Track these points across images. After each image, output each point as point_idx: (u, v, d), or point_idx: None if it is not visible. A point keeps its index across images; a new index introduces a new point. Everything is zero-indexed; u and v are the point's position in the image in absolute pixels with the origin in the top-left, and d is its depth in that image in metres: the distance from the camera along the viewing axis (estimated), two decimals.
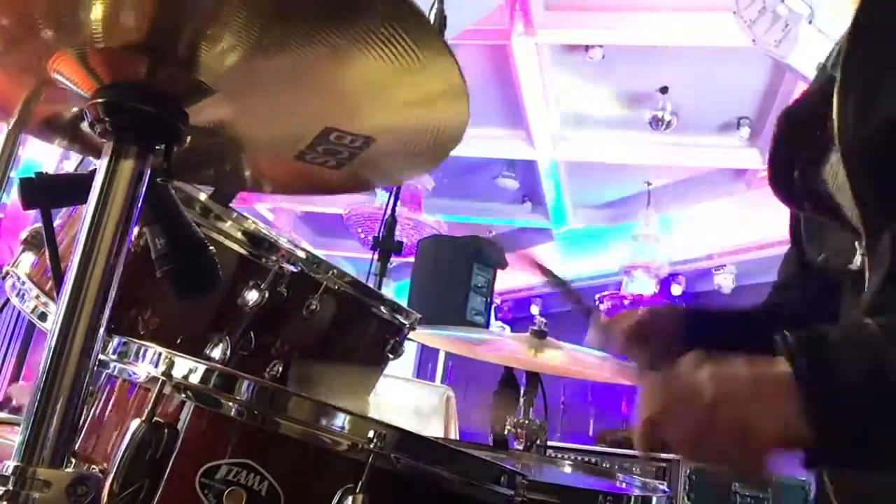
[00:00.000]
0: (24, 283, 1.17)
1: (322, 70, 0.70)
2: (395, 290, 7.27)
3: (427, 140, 0.82)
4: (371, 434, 0.76)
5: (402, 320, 1.34)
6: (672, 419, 0.71)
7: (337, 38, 0.64)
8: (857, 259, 0.87)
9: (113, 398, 0.90)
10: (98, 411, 0.91)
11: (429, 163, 0.90)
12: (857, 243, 0.86)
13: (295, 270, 1.15)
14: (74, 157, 1.25)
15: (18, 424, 0.69)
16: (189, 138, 0.75)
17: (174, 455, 0.76)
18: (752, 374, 0.69)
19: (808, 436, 0.66)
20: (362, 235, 6.06)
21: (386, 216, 2.77)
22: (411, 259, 4.18)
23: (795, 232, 1.09)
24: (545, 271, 1.25)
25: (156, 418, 0.77)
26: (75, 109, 0.80)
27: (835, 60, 0.98)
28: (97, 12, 0.63)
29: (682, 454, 0.73)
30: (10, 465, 0.64)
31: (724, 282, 6.89)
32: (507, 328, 7.55)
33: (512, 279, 7.33)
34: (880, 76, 0.82)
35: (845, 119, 0.83)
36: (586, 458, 2.82)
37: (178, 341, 1.10)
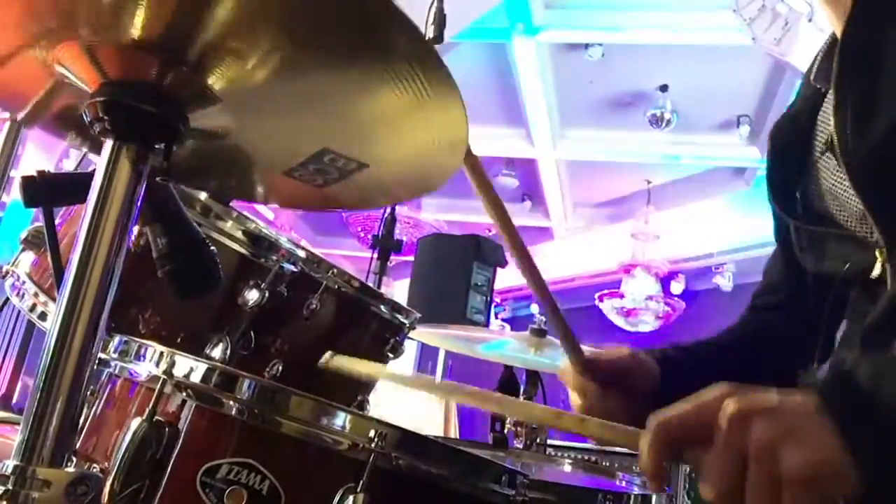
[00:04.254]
0: (23, 283, 1.17)
1: (331, 97, 0.70)
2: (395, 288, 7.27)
3: (423, 168, 0.83)
4: (372, 433, 0.76)
5: (402, 319, 1.34)
6: (694, 438, 0.63)
7: (355, 70, 0.65)
8: (878, 268, 0.87)
9: (114, 397, 0.90)
10: (99, 410, 0.91)
11: (422, 188, 0.90)
12: (876, 251, 0.86)
13: (295, 270, 1.15)
14: (74, 157, 1.25)
15: (18, 424, 0.69)
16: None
17: (175, 454, 0.76)
18: (782, 404, 0.63)
19: (848, 471, 0.60)
20: (362, 234, 6.06)
21: (385, 215, 2.77)
22: (411, 258, 4.18)
23: (786, 239, 1.07)
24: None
25: (157, 417, 0.77)
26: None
27: (818, 73, 0.98)
28: (119, 8, 0.62)
29: (709, 482, 0.63)
30: (10, 464, 0.64)
31: (724, 281, 6.90)
32: (507, 327, 7.55)
33: (512, 278, 7.33)
34: (875, 85, 0.82)
35: (845, 133, 0.83)
36: (586, 457, 2.82)
37: (179, 340, 1.10)
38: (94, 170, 0.72)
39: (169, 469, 0.76)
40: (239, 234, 1.12)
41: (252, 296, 1.11)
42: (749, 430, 0.60)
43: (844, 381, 0.67)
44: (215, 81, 0.68)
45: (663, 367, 1.09)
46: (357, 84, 0.67)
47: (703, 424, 0.63)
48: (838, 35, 0.92)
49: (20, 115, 0.84)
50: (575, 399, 1.10)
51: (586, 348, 1.08)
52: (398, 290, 6.96)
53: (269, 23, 0.62)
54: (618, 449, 2.95)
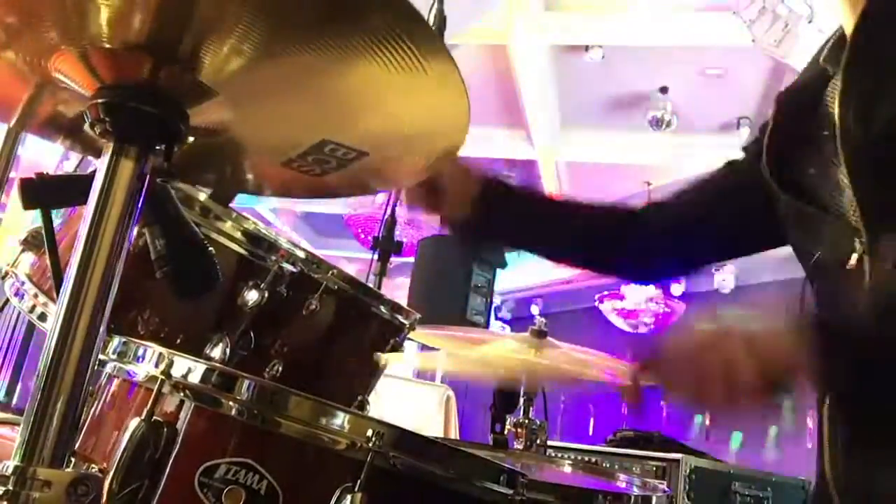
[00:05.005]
0: (23, 284, 1.17)
1: (324, 76, 0.70)
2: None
3: (425, 148, 0.82)
4: (370, 433, 0.76)
5: (402, 320, 1.34)
6: (669, 354, 0.75)
7: (340, 44, 0.64)
8: (855, 256, 0.88)
9: (113, 398, 0.91)
10: (98, 411, 0.91)
11: (427, 170, 0.90)
12: (856, 240, 0.87)
13: (294, 270, 1.15)
14: (74, 158, 1.25)
15: (18, 424, 0.69)
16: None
17: (173, 454, 0.76)
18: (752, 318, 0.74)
19: (807, 362, 0.71)
20: (362, 236, 6.06)
21: (386, 216, 2.77)
22: (411, 259, 4.19)
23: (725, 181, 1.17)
24: None
25: (155, 417, 0.77)
26: (78, 109, 0.80)
27: (828, 55, 0.99)
28: (102, 12, 0.63)
29: (671, 384, 0.77)
30: (10, 464, 0.64)
31: (724, 282, 6.89)
32: (507, 328, 7.55)
33: (512, 279, 7.32)
34: (883, 77, 0.83)
35: (848, 122, 0.84)
36: (586, 458, 2.82)
37: (178, 341, 1.10)
38: (93, 171, 0.72)
39: (167, 469, 0.76)
40: (238, 235, 1.12)
41: (251, 296, 1.11)
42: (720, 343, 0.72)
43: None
44: (209, 74, 0.68)
45: (487, 191, 1.18)
46: (349, 62, 0.66)
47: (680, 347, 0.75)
48: (846, 28, 0.92)
49: (11, 122, 0.84)
50: None
51: None
52: (398, 290, 6.96)
53: (250, 5, 0.61)
54: (618, 449, 2.95)
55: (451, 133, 0.79)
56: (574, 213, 1.29)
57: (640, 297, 6.68)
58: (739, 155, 1.23)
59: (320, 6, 0.62)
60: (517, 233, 1.29)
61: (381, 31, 0.62)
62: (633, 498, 1.40)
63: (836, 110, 0.86)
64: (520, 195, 1.27)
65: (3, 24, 0.66)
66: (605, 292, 6.90)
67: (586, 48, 4.92)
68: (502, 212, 1.20)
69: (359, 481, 0.74)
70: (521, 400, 1.84)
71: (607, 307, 6.84)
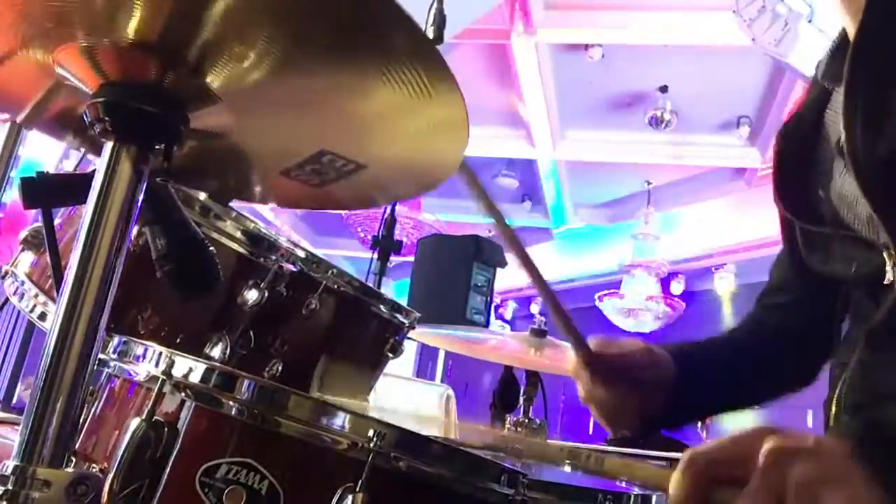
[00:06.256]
0: (23, 283, 1.17)
1: (331, 95, 0.70)
2: (395, 289, 7.26)
3: (422, 167, 0.83)
4: (371, 433, 0.75)
5: (402, 319, 1.34)
6: (728, 475, 0.60)
7: (354, 68, 0.65)
8: (889, 273, 0.86)
9: (113, 397, 0.90)
10: (98, 410, 0.91)
11: (422, 187, 0.90)
12: (884, 254, 0.86)
13: (294, 270, 1.15)
14: (74, 157, 1.25)
15: (18, 424, 0.69)
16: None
17: (174, 454, 0.76)
18: (821, 447, 0.59)
19: None
20: (362, 235, 6.06)
21: (385, 215, 2.77)
22: (411, 258, 4.19)
23: (792, 239, 1.06)
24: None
25: (156, 417, 0.77)
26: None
27: (826, 72, 0.97)
28: (116, 9, 0.62)
29: None
30: (10, 464, 0.64)
31: (724, 281, 6.90)
32: (507, 327, 7.56)
33: (512, 279, 7.32)
34: (888, 87, 0.82)
35: (855, 134, 0.82)
36: None
37: (178, 340, 1.10)
38: (93, 170, 0.72)
39: (168, 469, 0.76)
40: (238, 234, 1.12)
41: (251, 295, 1.11)
42: (788, 470, 0.57)
43: (877, 427, 0.68)
44: (215, 81, 0.68)
45: (680, 362, 1.07)
46: (356, 82, 0.67)
47: (740, 460, 0.60)
48: (849, 34, 0.91)
49: (19, 117, 0.84)
50: (582, 394, 1.09)
51: (599, 339, 1.06)
52: (398, 290, 6.96)
53: (266, 20, 0.62)
54: (617, 450, 2.95)
55: (450, 151, 0.79)
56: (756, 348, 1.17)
57: (640, 296, 6.68)
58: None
59: (341, 28, 0.62)
60: (716, 399, 1.17)
61: (393, 55, 0.62)
62: (632, 498, 1.40)
63: (842, 126, 0.85)
64: (701, 359, 1.15)
65: (39, 23, 0.66)
66: (605, 292, 6.90)
67: (586, 47, 4.93)
68: (696, 385, 1.07)
69: (360, 481, 0.74)
70: (521, 399, 1.84)
71: (607, 306, 6.84)
